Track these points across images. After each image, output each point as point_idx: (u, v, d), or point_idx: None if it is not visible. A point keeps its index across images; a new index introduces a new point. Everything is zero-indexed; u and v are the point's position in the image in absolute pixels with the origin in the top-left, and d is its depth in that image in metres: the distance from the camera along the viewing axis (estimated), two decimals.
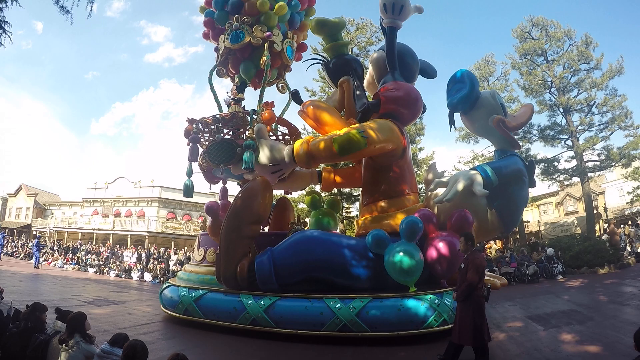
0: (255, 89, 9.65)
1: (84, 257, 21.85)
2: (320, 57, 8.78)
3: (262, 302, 6.36)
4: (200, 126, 8.01)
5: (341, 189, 18.95)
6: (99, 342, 3.88)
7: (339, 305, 5.99)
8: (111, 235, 29.34)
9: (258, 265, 6.58)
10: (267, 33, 8.36)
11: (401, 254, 6.03)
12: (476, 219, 6.93)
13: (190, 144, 7.81)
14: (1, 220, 40.51)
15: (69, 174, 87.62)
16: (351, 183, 9.82)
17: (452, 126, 7.82)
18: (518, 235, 23.77)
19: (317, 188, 10.10)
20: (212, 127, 7.97)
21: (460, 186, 6.41)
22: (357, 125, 6.98)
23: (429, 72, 8.84)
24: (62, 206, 39.11)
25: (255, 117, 7.67)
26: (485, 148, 24.27)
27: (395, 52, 7.95)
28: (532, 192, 27.39)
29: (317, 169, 9.14)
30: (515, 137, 8.18)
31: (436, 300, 5.94)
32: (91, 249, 23.54)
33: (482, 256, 5.30)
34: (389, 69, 8.05)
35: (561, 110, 20.95)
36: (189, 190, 7.88)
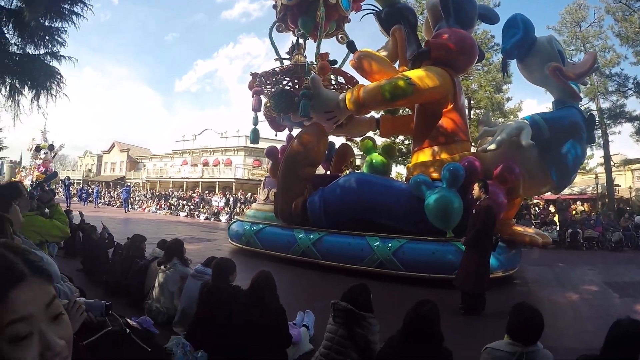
0: (315, 42, 10.01)
1: (176, 203, 24.62)
2: (372, 7, 8.76)
3: (311, 236, 7.21)
4: (263, 79, 8.74)
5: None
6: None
7: (377, 243, 6.59)
8: (200, 182, 31.21)
9: (310, 203, 7.38)
10: None
11: (439, 199, 6.31)
12: (525, 171, 6.81)
13: (254, 95, 8.63)
14: (98, 174, 46.47)
15: (158, 130, 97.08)
16: (408, 130, 9.94)
17: (505, 73, 7.50)
18: (607, 199, 21.69)
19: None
20: (273, 79, 8.67)
21: (503, 135, 6.34)
22: (405, 73, 7.11)
23: (490, 17, 8.39)
24: (153, 158, 41.85)
25: (312, 67, 8.16)
26: None
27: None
28: (628, 155, 24.37)
29: (376, 116, 9.47)
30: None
31: None
32: (182, 195, 26.14)
33: (496, 204, 5.36)
34: (444, 15, 7.84)
35: None
36: (255, 136, 8.84)
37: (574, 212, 16.68)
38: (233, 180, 29.94)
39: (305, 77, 8.16)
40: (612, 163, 20.69)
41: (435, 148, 7.42)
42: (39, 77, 8.50)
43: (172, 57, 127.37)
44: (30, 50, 8.59)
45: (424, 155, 7.52)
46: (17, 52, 8.49)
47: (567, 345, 3.75)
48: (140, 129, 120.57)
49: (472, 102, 22.19)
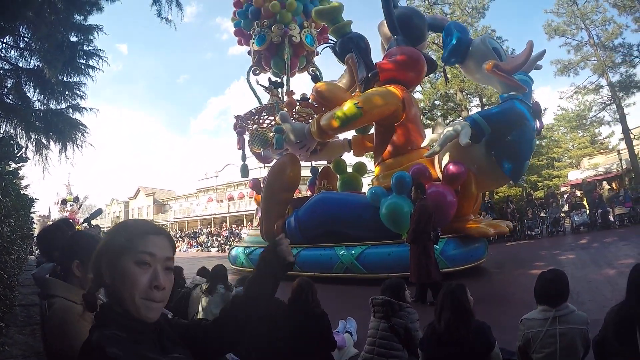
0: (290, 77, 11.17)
1: (205, 240, 25.84)
2: (330, 40, 9.81)
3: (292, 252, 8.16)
4: (242, 121, 10.00)
5: None
6: None
7: (343, 251, 7.44)
8: (227, 217, 32.22)
9: (287, 223, 8.38)
10: (284, 29, 9.77)
11: (390, 205, 7.07)
12: (475, 168, 7.37)
13: (237, 136, 9.89)
14: None
15: (180, 171, 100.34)
16: None
17: (447, 80, 8.14)
18: (633, 174, 20.79)
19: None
20: (252, 118, 9.90)
21: (442, 140, 6.96)
22: (355, 97, 8.03)
23: (439, 26, 9.06)
24: (179, 199, 42.97)
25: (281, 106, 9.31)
26: (586, 79, 21.74)
27: (393, 18, 8.53)
28: None
29: (348, 137, 10.39)
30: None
31: None
32: (211, 232, 27.47)
33: (443, 203, 5.99)
34: (392, 34, 8.69)
35: None
36: (245, 171, 10.08)
37: (601, 192, 16.33)
38: None
39: (276, 114, 9.30)
40: (632, 136, 19.94)
41: (392, 160, 8.20)
42: (64, 129, 8.83)
43: (186, 98, 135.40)
44: (53, 105, 8.92)
45: (384, 168, 8.30)
46: (41, 108, 8.81)
47: None
48: (163, 171, 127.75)
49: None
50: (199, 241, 26.44)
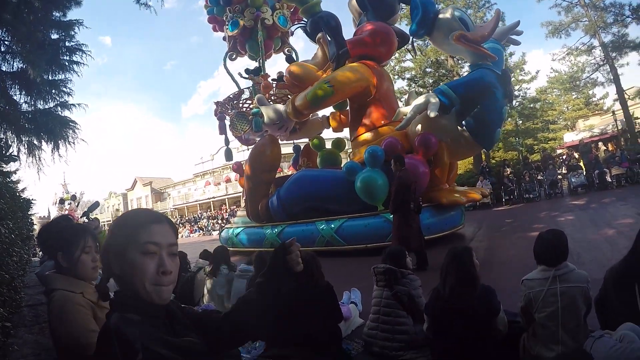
0: (266, 60, 11.26)
1: (206, 224, 26.15)
2: (301, 21, 9.83)
3: (275, 230, 8.52)
4: (225, 106, 10.17)
5: None
6: None
7: (323, 226, 7.74)
8: (226, 199, 32.10)
9: (270, 203, 8.67)
10: (256, 13, 9.81)
11: (364, 179, 7.29)
12: (448, 139, 7.53)
13: (218, 121, 10.09)
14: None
15: (176, 157, 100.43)
16: None
17: (414, 53, 8.21)
18: (628, 134, 20.72)
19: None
20: (232, 103, 10.07)
21: (411, 113, 7.11)
22: (326, 76, 8.15)
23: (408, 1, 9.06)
24: (177, 186, 42.62)
25: (256, 88, 9.45)
26: (578, 40, 21.49)
27: None
28: None
29: (326, 115, 10.54)
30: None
31: None
32: (211, 215, 27.89)
33: (416, 174, 6.19)
34: (361, 10, 8.73)
35: None
36: (229, 155, 10.35)
37: (597, 153, 16.36)
38: None
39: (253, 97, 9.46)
40: (626, 96, 19.79)
41: (366, 135, 8.38)
42: (54, 128, 8.84)
43: (175, 85, 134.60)
44: (40, 105, 8.90)
45: (358, 143, 8.50)
46: (29, 109, 8.79)
47: None
48: (159, 160, 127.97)
49: None
50: (199, 226, 26.81)
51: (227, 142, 10.36)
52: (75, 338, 1.41)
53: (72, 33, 8.98)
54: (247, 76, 10.26)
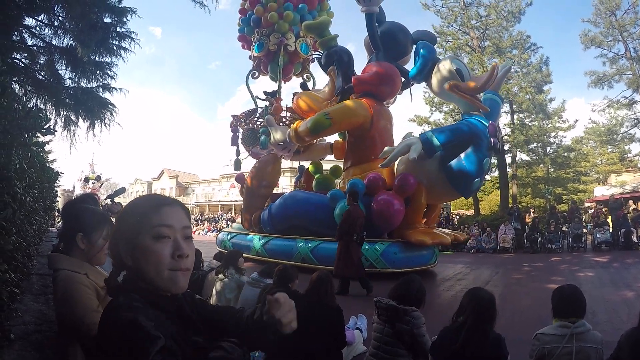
0: (285, 83, 12.18)
1: (225, 225, 26.19)
2: (318, 52, 10.67)
3: (262, 240, 9.29)
4: (237, 120, 11.17)
5: None
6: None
7: (302, 243, 8.43)
8: None
9: (262, 215, 9.48)
10: (281, 38, 10.76)
11: (342, 208, 7.84)
12: (428, 182, 7.96)
13: (232, 133, 11.09)
14: None
15: (205, 155, 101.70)
16: None
17: (411, 99, 8.76)
18: None
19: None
20: (247, 119, 11.05)
21: (394, 153, 7.61)
22: (328, 108, 8.90)
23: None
24: (202, 184, 43.01)
25: (269, 108, 10.37)
26: (620, 93, 20.93)
27: (376, 36, 9.20)
28: None
29: (330, 142, 11.24)
30: None
31: (366, 246, 7.39)
32: (231, 218, 28.23)
33: (391, 211, 6.73)
34: (374, 50, 9.41)
35: None
36: (237, 165, 11.33)
37: (627, 212, 15.80)
38: None
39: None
40: None
41: (356, 167, 9.05)
42: (93, 107, 8.97)
43: (215, 84, 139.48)
44: (83, 83, 9.00)
45: (348, 173, 9.17)
46: (72, 85, 8.91)
47: None
48: (188, 155, 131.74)
49: (514, 106, 21.97)
50: (218, 226, 27.55)
51: (237, 152, 11.33)
52: (80, 318, 1.42)
53: (125, 20, 9.03)
54: (264, 97, 11.21)
